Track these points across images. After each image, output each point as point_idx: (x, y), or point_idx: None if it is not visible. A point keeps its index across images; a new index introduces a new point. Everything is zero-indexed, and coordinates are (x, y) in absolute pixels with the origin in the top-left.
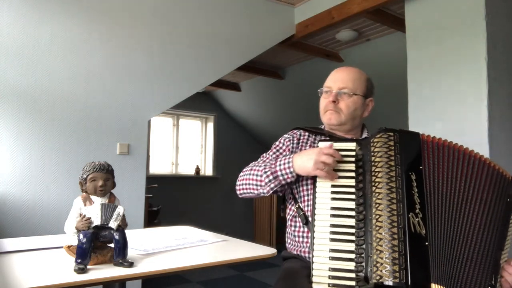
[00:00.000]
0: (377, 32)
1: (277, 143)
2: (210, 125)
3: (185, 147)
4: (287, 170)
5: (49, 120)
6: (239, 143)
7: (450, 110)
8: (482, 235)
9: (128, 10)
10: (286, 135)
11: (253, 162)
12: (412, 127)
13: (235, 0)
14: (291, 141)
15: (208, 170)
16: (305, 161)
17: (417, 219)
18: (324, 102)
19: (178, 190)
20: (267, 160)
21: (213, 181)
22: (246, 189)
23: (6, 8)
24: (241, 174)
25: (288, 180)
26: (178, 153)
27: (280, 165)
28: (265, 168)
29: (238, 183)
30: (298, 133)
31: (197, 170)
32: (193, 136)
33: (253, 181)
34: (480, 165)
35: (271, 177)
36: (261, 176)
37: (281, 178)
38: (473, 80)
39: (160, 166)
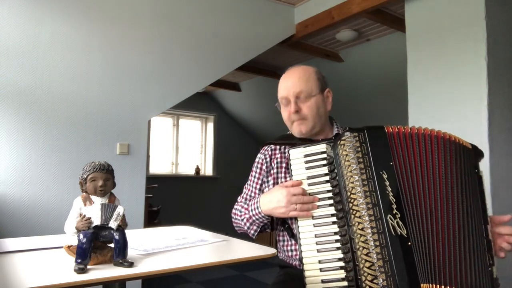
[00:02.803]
0: (377, 32)
1: (253, 168)
2: (210, 125)
3: (185, 147)
4: (259, 215)
5: (49, 120)
6: (239, 143)
7: (450, 110)
8: (464, 218)
9: (128, 10)
10: (259, 155)
11: (239, 198)
12: None
13: (235, 0)
14: (265, 160)
15: (208, 170)
16: (275, 204)
17: (395, 220)
18: (286, 113)
19: (178, 190)
20: (248, 195)
21: (213, 181)
22: (240, 230)
23: (6, 8)
24: (232, 215)
25: (265, 222)
26: (178, 153)
27: (251, 210)
28: (241, 215)
29: (233, 223)
30: (269, 149)
31: (197, 170)
32: (193, 136)
33: (240, 225)
34: (440, 143)
35: (247, 224)
36: (241, 222)
37: (257, 222)
38: (473, 80)
39: (160, 166)
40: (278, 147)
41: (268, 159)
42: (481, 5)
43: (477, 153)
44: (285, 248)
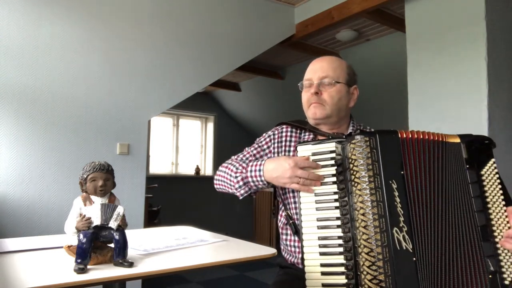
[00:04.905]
0: (377, 32)
1: (260, 140)
2: (210, 125)
3: (185, 147)
4: (258, 179)
5: (49, 120)
6: (239, 143)
7: (450, 110)
8: (462, 225)
9: (128, 10)
10: (269, 132)
11: (233, 157)
12: (412, 127)
13: (235, 0)
14: (272, 140)
15: (208, 170)
16: (279, 173)
17: (402, 233)
18: (306, 95)
19: (178, 190)
20: (246, 157)
21: (213, 181)
22: (222, 185)
23: (6, 8)
24: (220, 168)
25: (260, 187)
26: (178, 153)
27: (251, 171)
28: (236, 172)
29: (216, 177)
30: (280, 129)
31: (197, 170)
32: (193, 136)
33: (227, 180)
34: (449, 150)
35: (241, 183)
36: (233, 178)
37: (252, 184)
38: (473, 80)
39: (160, 166)
40: (290, 128)
41: (277, 139)
42: (481, 5)
43: (468, 144)
44: (287, 242)
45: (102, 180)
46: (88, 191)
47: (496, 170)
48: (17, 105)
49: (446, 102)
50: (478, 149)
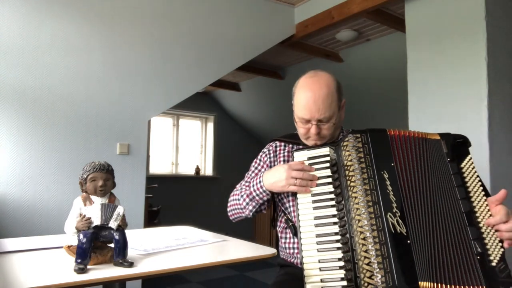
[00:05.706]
0: (377, 32)
1: (256, 160)
2: (210, 125)
3: (185, 147)
4: (260, 190)
5: (49, 120)
6: (239, 143)
7: (450, 110)
8: (449, 211)
9: (128, 10)
10: (264, 149)
11: (237, 185)
12: (412, 127)
13: (235, 0)
14: (268, 155)
15: (208, 170)
16: (276, 178)
17: (395, 218)
18: (303, 130)
19: (178, 190)
20: (247, 179)
21: (213, 181)
22: (235, 213)
23: (6, 9)
24: (229, 199)
25: (265, 199)
26: (178, 153)
27: (253, 185)
28: (241, 192)
29: (228, 209)
30: (274, 145)
31: (197, 170)
32: (193, 136)
33: (236, 205)
34: (433, 147)
35: (247, 199)
36: (240, 199)
37: (257, 198)
38: (473, 80)
39: (160, 166)
40: (283, 144)
41: (272, 154)
42: (481, 5)
43: (447, 141)
44: (287, 245)
45: (102, 180)
46: (88, 191)
47: (473, 165)
48: (17, 105)
49: (446, 102)
50: (456, 145)
